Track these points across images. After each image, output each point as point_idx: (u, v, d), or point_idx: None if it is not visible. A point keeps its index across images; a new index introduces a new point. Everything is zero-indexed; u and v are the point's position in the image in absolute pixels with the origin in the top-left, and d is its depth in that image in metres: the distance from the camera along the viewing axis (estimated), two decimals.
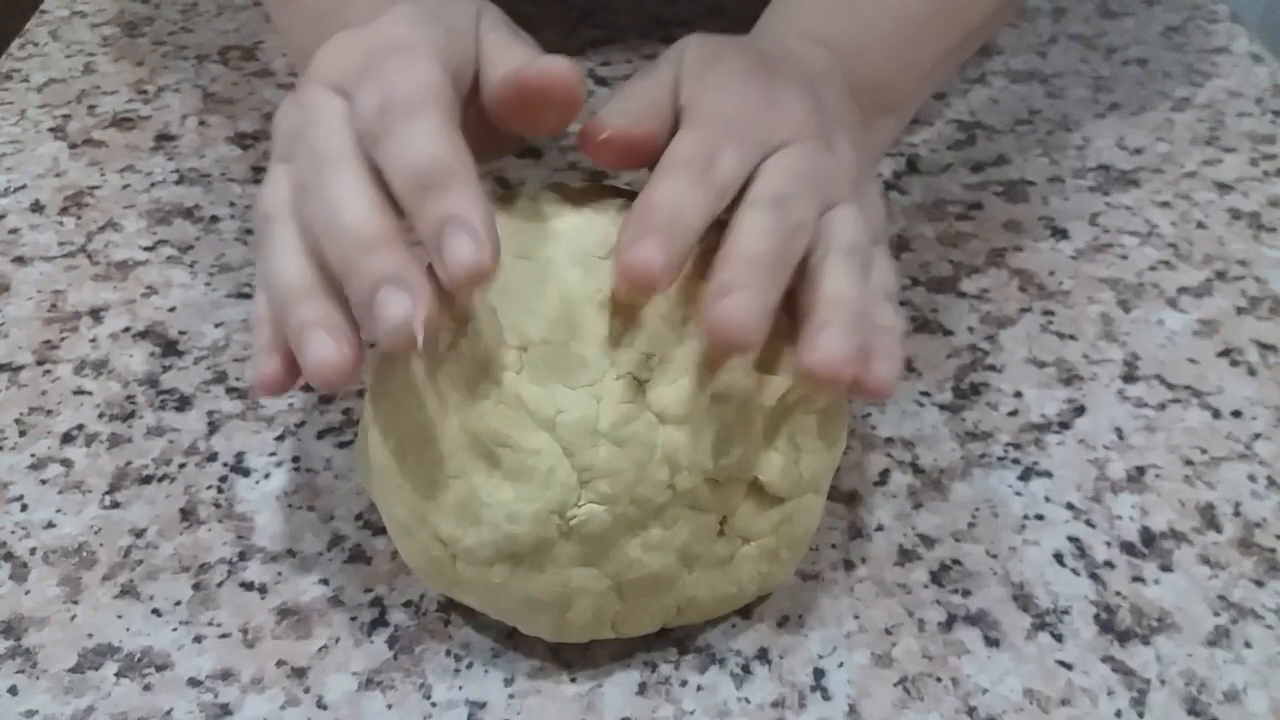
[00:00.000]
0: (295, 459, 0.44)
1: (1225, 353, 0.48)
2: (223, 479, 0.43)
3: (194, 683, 0.37)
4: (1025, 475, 0.43)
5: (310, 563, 0.40)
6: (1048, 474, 0.43)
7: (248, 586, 0.39)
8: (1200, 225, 0.54)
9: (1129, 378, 0.47)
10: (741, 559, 0.36)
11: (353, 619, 0.39)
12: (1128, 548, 0.41)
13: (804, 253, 0.34)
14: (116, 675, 0.37)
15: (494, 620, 0.37)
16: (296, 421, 0.45)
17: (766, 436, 0.35)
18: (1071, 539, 0.41)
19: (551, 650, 0.37)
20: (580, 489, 0.33)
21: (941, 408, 0.46)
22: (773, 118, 0.35)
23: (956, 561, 0.40)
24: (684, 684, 0.37)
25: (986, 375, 0.47)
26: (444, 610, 0.39)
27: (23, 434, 0.45)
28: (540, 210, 0.37)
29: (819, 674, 0.37)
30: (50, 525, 0.41)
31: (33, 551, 0.41)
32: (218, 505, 0.42)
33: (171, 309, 0.50)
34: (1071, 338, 0.49)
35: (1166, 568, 0.40)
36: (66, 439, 0.44)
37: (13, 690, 0.36)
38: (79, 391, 0.46)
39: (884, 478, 0.43)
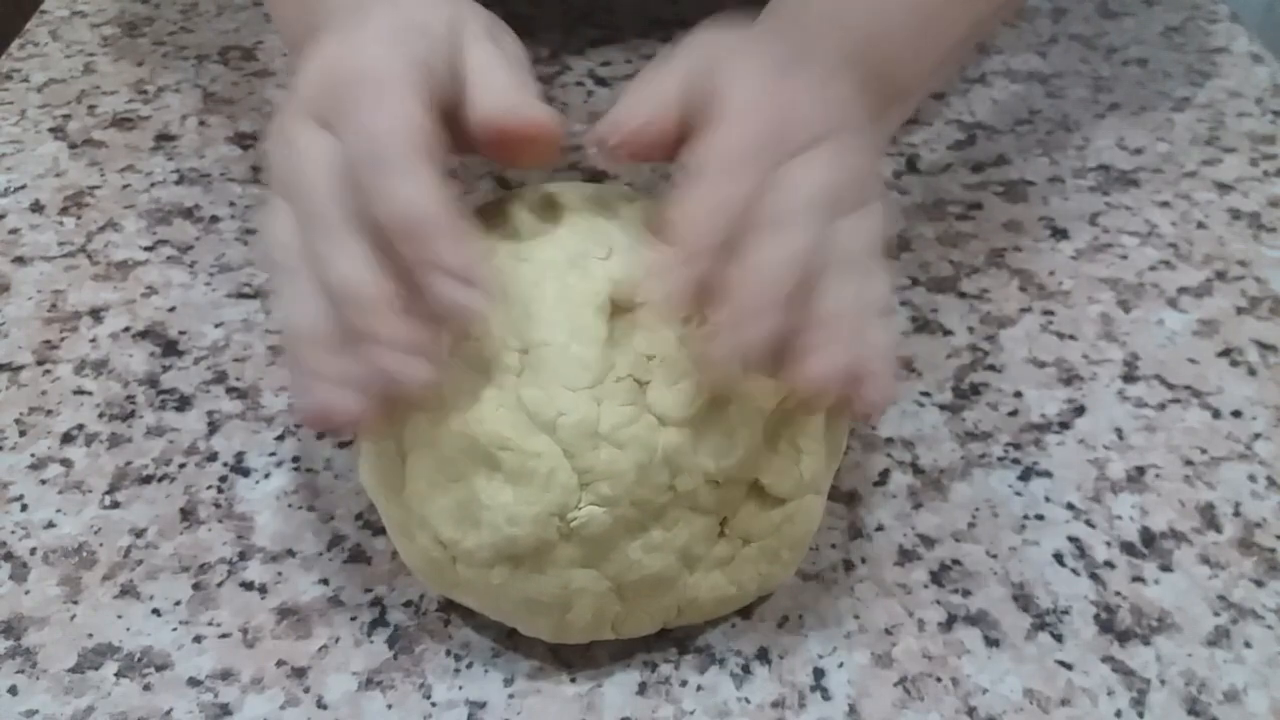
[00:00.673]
0: (295, 459, 0.44)
1: (1225, 353, 0.48)
2: (223, 479, 0.43)
3: (194, 683, 0.37)
4: (1025, 475, 0.43)
5: (310, 563, 0.40)
6: (1048, 474, 0.43)
7: (248, 586, 0.39)
8: (1200, 225, 0.54)
9: (1129, 378, 0.47)
10: (742, 560, 0.36)
11: (353, 619, 0.39)
12: (1128, 548, 0.41)
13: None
14: (116, 675, 0.37)
15: (494, 620, 0.37)
16: (297, 421, 0.45)
17: (767, 438, 0.35)
18: (1071, 539, 0.41)
19: (551, 650, 0.37)
20: (581, 491, 0.33)
21: (941, 408, 0.46)
22: (796, 119, 0.35)
23: (956, 561, 0.40)
24: (684, 684, 0.37)
25: (986, 375, 0.47)
26: (444, 610, 0.39)
27: (23, 434, 0.45)
28: (540, 212, 0.37)
29: (819, 674, 0.37)
30: (50, 525, 0.41)
31: (33, 551, 0.41)
32: (218, 505, 0.42)
33: (171, 309, 0.50)
34: (1071, 338, 0.49)
35: (1166, 568, 0.40)
36: (66, 439, 0.44)
37: (13, 690, 0.36)
38: (79, 391, 0.46)
39: (884, 478, 0.43)
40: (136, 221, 0.54)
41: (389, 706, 0.36)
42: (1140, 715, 0.36)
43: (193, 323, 0.49)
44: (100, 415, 0.45)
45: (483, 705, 0.36)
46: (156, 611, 0.39)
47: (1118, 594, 0.39)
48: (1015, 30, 0.67)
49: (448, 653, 0.38)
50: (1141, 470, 0.43)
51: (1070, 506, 0.42)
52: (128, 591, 0.39)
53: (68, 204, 0.55)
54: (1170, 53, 0.66)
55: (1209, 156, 0.58)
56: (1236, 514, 0.42)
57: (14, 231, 0.54)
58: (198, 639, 0.38)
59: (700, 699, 0.36)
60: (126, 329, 0.49)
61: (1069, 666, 0.37)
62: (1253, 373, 0.47)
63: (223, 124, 0.60)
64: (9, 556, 0.40)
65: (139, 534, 0.41)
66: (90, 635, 0.38)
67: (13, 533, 0.41)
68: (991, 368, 0.47)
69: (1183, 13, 0.69)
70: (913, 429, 0.45)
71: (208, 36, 0.67)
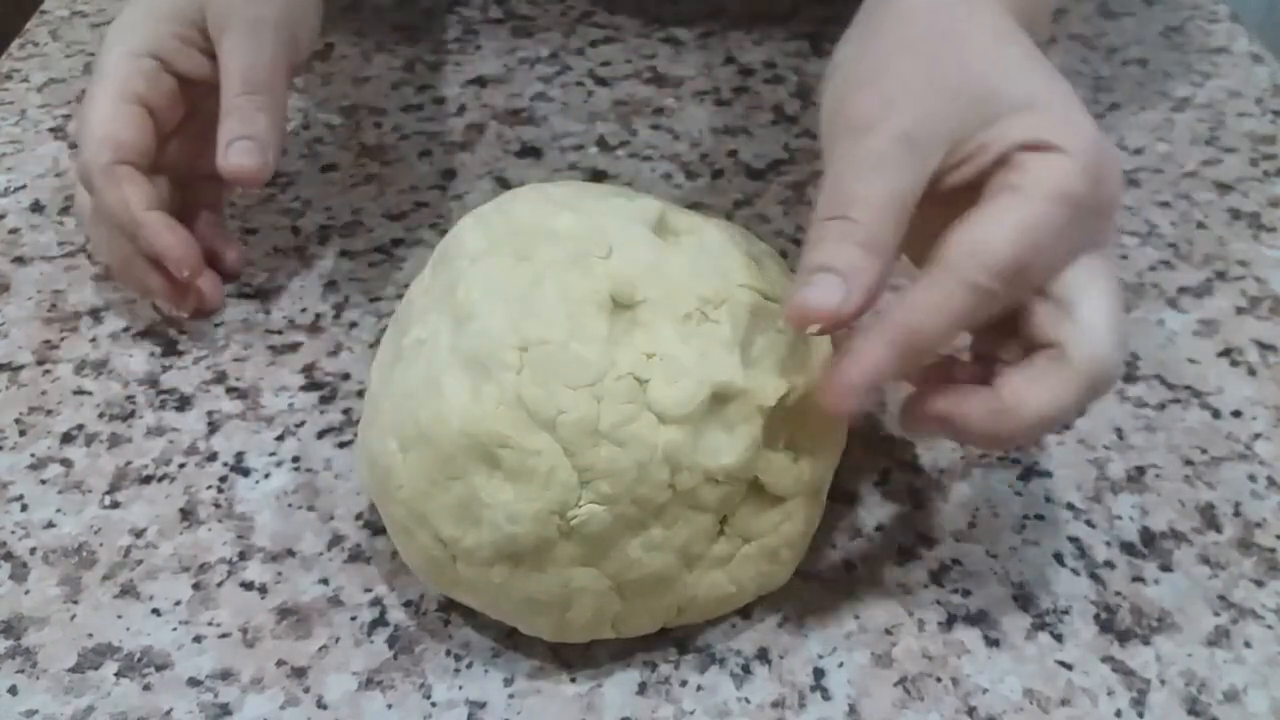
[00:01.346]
0: (295, 459, 0.44)
1: (1225, 353, 0.48)
2: (223, 479, 0.43)
3: (194, 683, 0.37)
4: (1025, 475, 0.43)
5: (310, 563, 0.40)
6: (1048, 474, 0.43)
7: (248, 586, 0.39)
8: (1200, 225, 0.54)
9: (1129, 378, 0.47)
10: (742, 559, 0.36)
11: (353, 619, 0.39)
12: (1128, 548, 0.41)
13: None
14: (116, 675, 0.37)
15: (494, 620, 0.37)
16: (296, 421, 0.45)
17: (767, 437, 0.35)
18: (1071, 539, 0.41)
19: (551, 650, 0.37)
20: (581, 489, 0.33)
21: None
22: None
23: (956, 561, 0.40)
24: (684, 684, 0.37)
25: None
26: (444, 610, 0.39)
27: (23, 434, 0.45)
28: (540, 211, 0.37)
29: (819, 674, 0.37)
30: (50, 525, 0.41)
31: (33, 551, 0.41)
32: (218, 505, 0.42)
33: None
34: None
35: (1166, 568, 0.40)
36: (66, 439, 0.44)
37: (13, 690, 0.36)
38: (79, 391, 0.46)
39: (884, 478, 0.43)
40: None
41: (389, 706, 0.36)
42: (1140, 715, 0.36)
43: (193, 323, 0.49)
44: (100, 415, 0.45)
45: (483, 705, 0.36)
46: (156, 611, 0.39)
47: (1118, 594, 0.39)
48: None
49: (448, 653, 0.38)
50: (1141, 470, 0.43)
51: (1070, 506, 0.42)
52: (128, 591, 0.39)
53: (68, 204, 0.55)
54: (1170, 53, 0.66)
55: (1209, 156, 0.58)
56: (1236, 514, 0.42)
57: (14, 231, 0.54)
58: (198, 639, 0.38)
59: (700, 699, 0.36)
60: (126, 329, 0.49)
61: (1069, 666, 0.37)
62: (1253, 373, 0.47)
63: None
64: (9, 556, 0.40)
65: (139, 534, 0.41)
66: (90, 635, 0.38)
67: (13, 533, 0.41)
68: None
69: (1183, 13, 0.69)
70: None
71: None
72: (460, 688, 0.37)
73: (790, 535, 0.37)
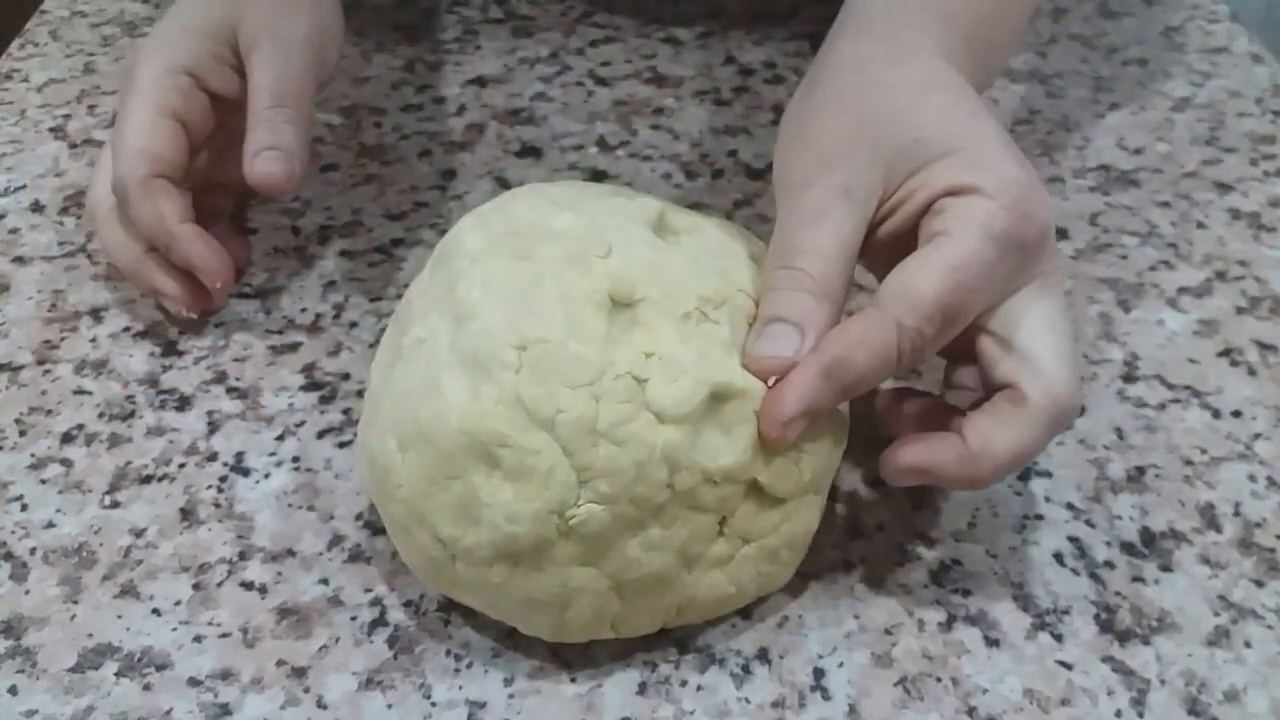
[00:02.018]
0: (295, 459, 0.44)
1: (1225, 353, 0.48)
2: (223, 479, 0.43)
3: (194, 683, 0.37)
4: (1025, 475, 0.43)
5: (310, 563, 0.40)
6: (1048, 474, 0.43)
7: (248, 586, 0.39)
8: (1200, 225, 0.54)
9: (1129, 378, 0.47)
10: (741, 559, 0.36)
11: (353, 619, 0.39)
12: (1128, 548, 0.41)
13: None
14: (116, 675, 0.37)
15: (494, 620, 0.37)
16: (296, 421, 0.45)
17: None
18: (1071, 539, 0.41)
19: (551, 650, 0.37)
20: (579, 488, 0.33)
21: None
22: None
23: (956, 561, 0.40)
24: (684, 684, 0.37)
25: None
26: (444, 610, 0.39)
27: (23, 434, 0.45)
28: (540, 210, 0.37)
29: (819, 674, 0.37)
30: (50, 525, 0.41)
31: (33, 551, 0.41)
32: (218, 505, 0.42)
33: None
34: None
35: (1166, 568, 0.40)
36: (66, 439, 0.44)
37: (13, 690, 0.36)
38: (79, 391, 0.46)
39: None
40: None
41: (389, 706, 0.36)
42: (1140, 715, 0.36)
43: (193, 323, 0.49)
44: (100, 415, 0.45)
45: (483, 705, 0.36)
46: (156, 611, 0.39)
47: (1118, 594, 0.39)
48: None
49: (448, 653, 0.38)
50: (1141, 470, 0.43)
51: (1070, 506, 0.42)
52: (128, 591, 0.39)
53: (68, 204, 0.55)
54: (1170, 53, 0.66)
55: (1209, 156, 0.58)
56: (1236, 514, 0.42)
57: (14, 231, 0.54)
58: (198, 639, 0.38)
59: (700, 699, 0.36)
60: (126, 329, 0.49)
61: (1069, 666, 0.37)
62: (1253, 373, 0.47)
63: None
64: (9, 556, 0.40)
65: (139, 534, 0.41)
66: (90, 635, 0.38)
67: (13, 533, 0.41)
68: None
69: (1183, 13, 0.69)
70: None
71: None
72: (460, 688, 0.37)
73: (790, 536, 0.37)
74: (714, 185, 0.56)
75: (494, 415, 0.33)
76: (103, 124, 0.60)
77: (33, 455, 0.44)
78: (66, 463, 0.43)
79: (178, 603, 0.39)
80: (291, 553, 0.40)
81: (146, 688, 0.37)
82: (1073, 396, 0.35)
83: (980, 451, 0.34)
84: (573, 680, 0.37)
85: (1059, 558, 0.40)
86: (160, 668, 0.37)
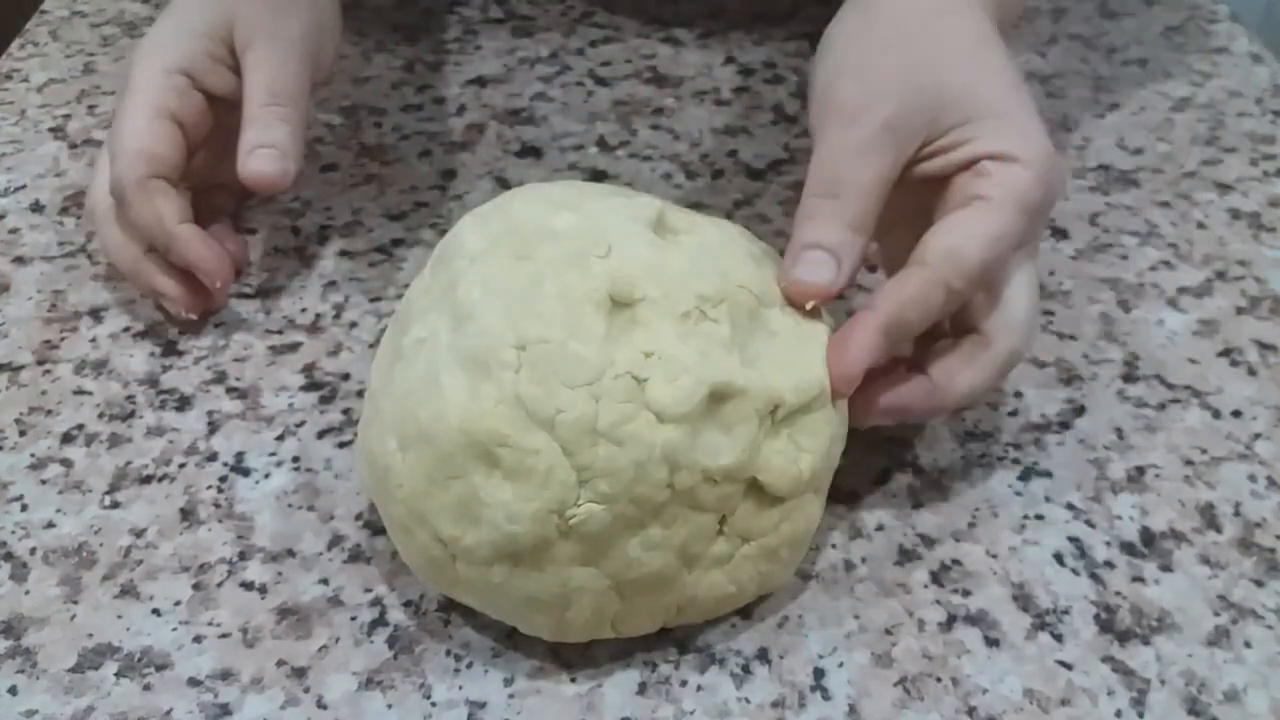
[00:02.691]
0: (295, 459, 0.44)
1: (1225, 353, 0.48)
2: (223, 479, 0.43)
3: (194, 683, 0.37)
4: (1025, 475, 0.43)
5: (310, 563, 0.40)
6: (1048, 474, 0.43)
7: (248, 586, 0.39)
8: (1200, 225, 0.54)
9: (1129, 378, 0.47)
10: (741, 559, 0.36)
11: (353, 619, 0.39)
12: (1128, 548, 0.41)
13: None
14: (116, 675, 0.37)
15: (494, 620, 0.37)
16: (296, 421, 0.45)
17: (766, 436, 0.35)
18: (1071, 539, 0.41)
19: (551, 650, 0.37)
20: (579, 488, 0.33)
21: None
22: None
23: (956, 561, 0.40)
24: (684, 684, 0.37)
25: None
26: (444, 610, 0.39)
27: (23, 434, 0.45)
28: (540, 210, 0.37)
29: (819, 674, 0.37)
30: (50, 525, 0.41)
31: (33, 551, 0.41)
32: (218, 505, 0.42)
33: None
34: (1071, 338, 0.49)
35: (1166, 568, 0.40)
36: (66, 439, 0.44)
37: (13, 690, 0.36)
38: (79, 391, 0.46)
39: (884, 478, 0.43)
40: None
41: (389, 706, 0.36)
42: (1140, 715, 0.36)
43: (193, 323, 0.49)
44: (100, 415, 0.45)
45: (483, 705, 0.36)
46: (156, 611, 0.39)
47: (1118, 594, 0.39)
48: (1015, 30, 0.67)
49: (448, 653, 0.38)
50: (1141, 470, 0.43)
51: (1070, 506, 0.42)
52: (128, 591, 0.39)
53: (68, 204, 0.55)
54: (1170, 53, 0.66)
55: (1209, 156, 0.58)
56: (1236, 514, 0.42)
57: (14, 231, 0.54)
58: (198, 639, 0.38)
59: (700, 699, 0.36)
60: (126, 329, 0.49)
61: (1069, 666, 0.37)
62: (1253, 373, 0.47)
63: None
64: (9, 556, 0.40)
65: (139, 534, 0.41)
66: (90, 635, 0.38)
67: (13, 533, 0.41)
68: None
69: (1183, 13, 0.69)
70: (913, 429, 0.45)
71: None
72: (460, 688, 0.37)
73: (790, 535, 0.37)
74: (714, 185, 0.56)
75: (494, 415, 0.33)
76: (103, 124, 0.60)
77: (33, 455, 0.44)
78: (66, 463, 0.43)
79: (178, 603, 0.39)
80: (291, 553, 0.40)
81: (146, 688, 0.37)
82: (1027, 349, 0.40)
83: (943, 385, 0.38)
84: (573, 680, 0.37)
85: (1059, 558, 0.40)
86: (160, 668, 0.37)
